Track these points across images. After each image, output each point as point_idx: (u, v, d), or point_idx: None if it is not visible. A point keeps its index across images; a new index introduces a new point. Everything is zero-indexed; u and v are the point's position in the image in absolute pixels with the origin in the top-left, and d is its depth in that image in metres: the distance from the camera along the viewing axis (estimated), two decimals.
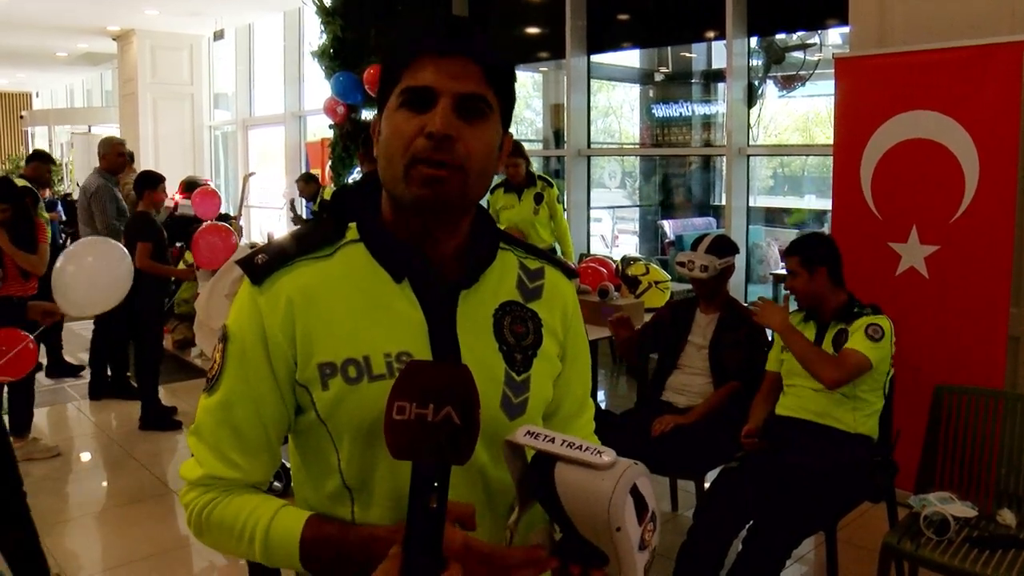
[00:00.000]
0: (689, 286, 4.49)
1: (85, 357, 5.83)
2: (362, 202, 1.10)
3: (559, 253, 5.55)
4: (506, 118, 1.06)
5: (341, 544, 0.97)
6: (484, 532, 0.98)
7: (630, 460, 0.89)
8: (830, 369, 2.78)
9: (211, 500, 1.04)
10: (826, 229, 6.37)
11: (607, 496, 0.86)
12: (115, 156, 5.69)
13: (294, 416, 1.06)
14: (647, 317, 4.26)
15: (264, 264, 1.04)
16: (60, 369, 6.07)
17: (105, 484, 4.12)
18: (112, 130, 12.81)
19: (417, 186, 0.98)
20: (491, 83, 1.00)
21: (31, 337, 4.04)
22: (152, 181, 5.23)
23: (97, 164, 5.81)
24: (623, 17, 6.62)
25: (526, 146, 5.62)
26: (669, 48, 7.55)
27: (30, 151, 18.15)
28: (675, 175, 8.53)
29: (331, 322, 1.02)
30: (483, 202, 4.67)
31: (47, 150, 16.39)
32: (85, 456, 4.48)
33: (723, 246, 3.40)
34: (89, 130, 15.03)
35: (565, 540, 0.94)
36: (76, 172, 13.11)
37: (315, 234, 1.08)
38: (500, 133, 1.05)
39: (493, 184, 5.54)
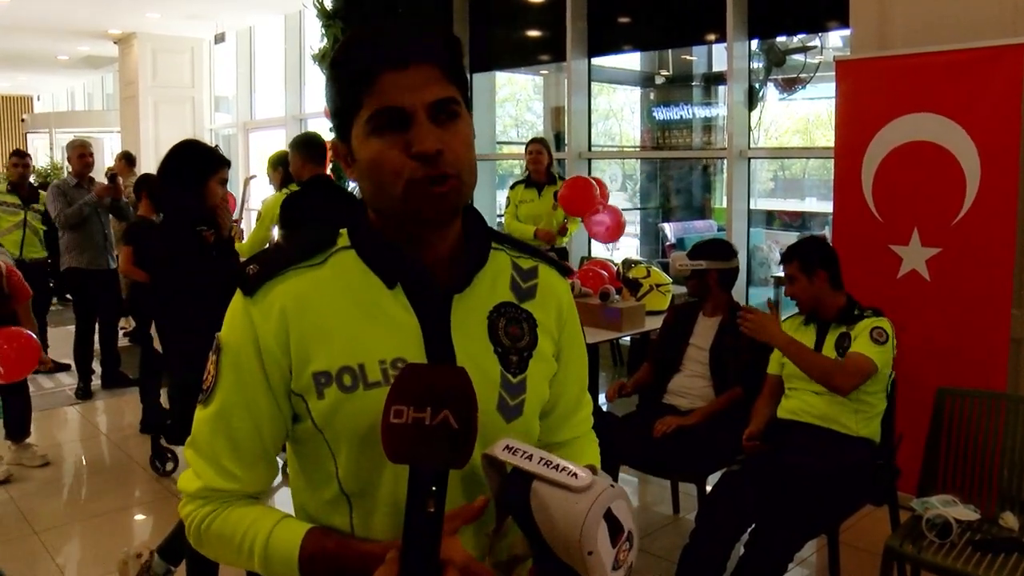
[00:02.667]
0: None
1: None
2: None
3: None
4: (467, 101, 1.04)
5: (339, 559, 0.97)
6: (469, 534, 0.99)
7: (607, 482, 0.88)
8: (842, 377, 2.76)
9: (210, 512, 1.03)
10: (827, 231, 6.37)
11: (580, 520, 0.85)
12: (77, 159, 5.64)
13: (291, 424, 1.05)
14: (648, 320, 4.26)
15: (256, 274, 1.03)
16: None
17: (106, 488, 4.11)
18: (114, 134, 12.85)
19: (423, 206, 0.98)
20: (453, 80, 1.00)
21: (34, 336, 4.04)
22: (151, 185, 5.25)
23: (109, 166, 5.84)
24: (624, 20, 6.61)
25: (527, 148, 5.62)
26: (670, 51, 7.55)
27: (31, 154, 18.21)
28: (676, 178, 8.53)
29: (325, 330, 1.01)
30: (503, 197, 4.72)
31: (48, 153, 16.45)
32: (85, 460, 4.47)
33: (704, 249, 3.45)
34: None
35: (539, 558, 0.94)
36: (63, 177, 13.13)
37: (306, 242, 1.07)
38: (472, 122, 1.04)
39: (514, 180, 5.57)
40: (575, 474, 0.87)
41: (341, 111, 1.02)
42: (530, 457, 0.90)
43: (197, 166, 2.75)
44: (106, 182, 5.56)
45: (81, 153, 5.65)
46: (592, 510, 0.85)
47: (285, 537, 0.99)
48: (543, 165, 5.43)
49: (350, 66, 1.00)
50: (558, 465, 0.89)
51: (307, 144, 4.19)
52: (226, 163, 2.86)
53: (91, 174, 5.76)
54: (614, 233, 5.53)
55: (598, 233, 5.45)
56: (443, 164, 0.96)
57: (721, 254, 3.44)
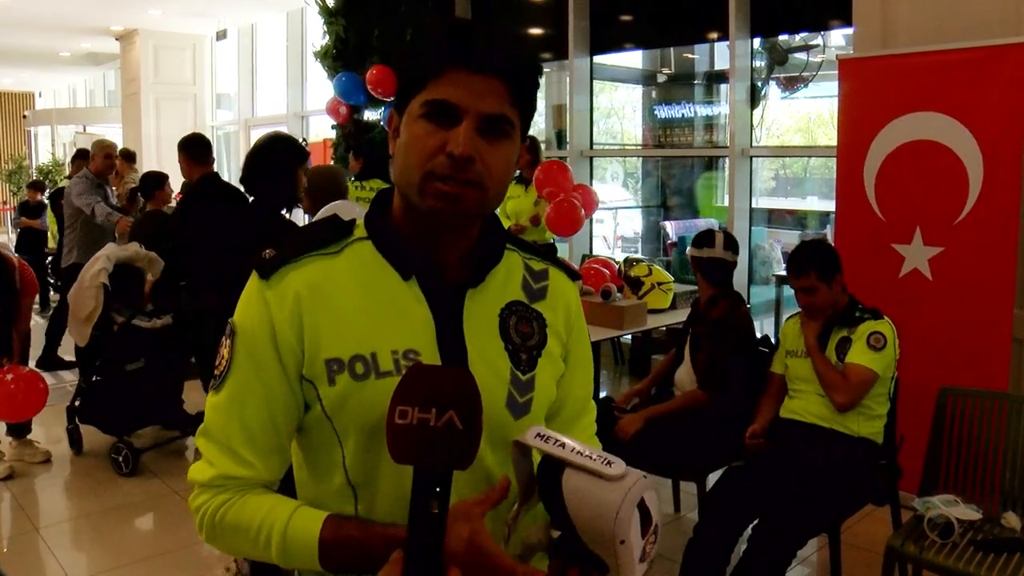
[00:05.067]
0: (690, 288, 4.53)
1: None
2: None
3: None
4: (525, 129, 1.06)
5: (361, 543, 0.97)
6: (489, 523, 0.98)
7: (639, 472, 0.89)
8: (838, 394, 2.79)
9: (225, 501, 1.03)
10: (828, 231, 6.36)
11: (615, 508, 0.86)
12: (102, 159, 5.70)
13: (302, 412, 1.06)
14: (650, 319, 4.26)
15: (272, 259, 1.04)
16: (52, 363, 6.15)
17: (107, 484, 4.11)
18: (115, 130, 12.84)
19: (433, 199, 0.99)
20: (516, 103, 1.00)
21: (41, 374, 4.06)
22: (159, 181, 5.31)
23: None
24: (626, 18, 6.61)
25: None
26: (672, 49, 7.53)
27: (33, 151, 18.23)
28: (677, 176, 8.51)
29: (339, 318, 1.02)
30: None
31: (50, 150, 16.46)
32: (87, 456, 4.46)
33: (693, 239, 3.46)
34: (84, 129, 15.07)
35: (564, 542, 0.94)
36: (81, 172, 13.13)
37: (322, 231, 1.08)
38: (519, 147, 1.05)
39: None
40: (609, 462, 0.88)
41: (407, 84, 1.03)
42: (562, 445, 0.91)
43: (287, 156, 3.06)
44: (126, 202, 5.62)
45: (108, 154, 5.80)
46: (627, 498, 0.86)
47: (304, 524, 0.99)
48: (523, 164, 5.44)
49: (432, 45, 1.00)
50: (591, 454, 0.89)
51: (189, 145, 4.29)
52: (308, 153, 3.16)
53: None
54: (565, 226, 5.30)
55: (557, 227, 5.32)
56: (470, 172, 0.97)
57: (695, 241, 3.41)
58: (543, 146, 7.96)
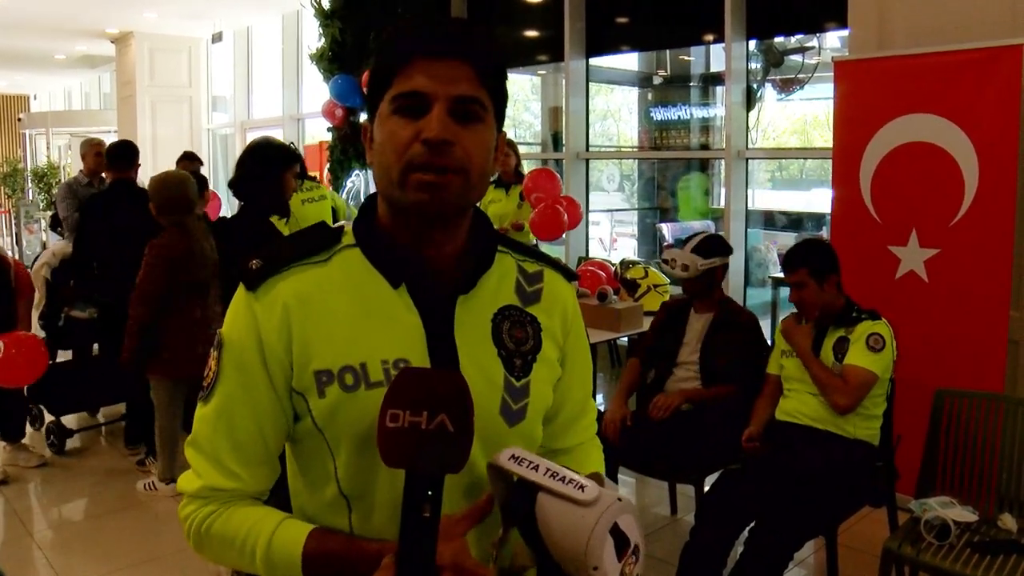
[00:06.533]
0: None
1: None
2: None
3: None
4: (500, 118, 1.04)
5: (344, 560, 0.96)
6: (473, 542, 0.98)
7: (614, 496, 0.87)
8: (840, 397, 2.79)
9: (211, 513, 1.02)
10: (825, 232, 6.36)
11: (586, 534, 0.84)
12: (92, 157, 5.67)
13: (292, 424, 1.04)
14: (646, 321, 4.25)
15: (259, 270, 1.02)
16: None
17: (102, 489, 4.09)
18: (112, 133, 12.82)
19: (414, 192, 0.96)
20: (485, 84, 0.99)
21: (40, 339, 4.10)
22: (202, 183, 5.20)
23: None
24: (622, 20, 6.61)
25: (523, 149, 5.62)
26: (668, 51, 7.55)
27: (28, 154, 18.18)
28: (671, 178, 8.53)
29: (328, 329, 1.00)
30: None
31: (45, 153, 16.42)
32: (82, 461, 4.45)
33: (710, 246, 3.34)
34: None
35: (542, 569, 0.93)
36: (74, 175, 13.09)
37: (310, 239, 1.06)
38: (495, 134, 1.03)
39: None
40: (582, 487, 0.86)
41: (373, 90, 1.02)
42: (536, 467, 0.89)
43: (275, 161, 3.11)
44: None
45: (97, 151, 5.69)
46: (598, 525, 0.84)
47: (288, 537, 0.98)
48: (510, 167, 5.44)
49: (390, 46, 1.00)
50: (564, 477, 0.88)
51: (107, 151, 4.69)
52: (298, 158, 3.21)
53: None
54: (548, 231, 5.29)
55: (539, 231, 5.31)
56: (450, 157, 0.96)
57: (722, 250, 3.38)
58: (538, 148, 7.99)
